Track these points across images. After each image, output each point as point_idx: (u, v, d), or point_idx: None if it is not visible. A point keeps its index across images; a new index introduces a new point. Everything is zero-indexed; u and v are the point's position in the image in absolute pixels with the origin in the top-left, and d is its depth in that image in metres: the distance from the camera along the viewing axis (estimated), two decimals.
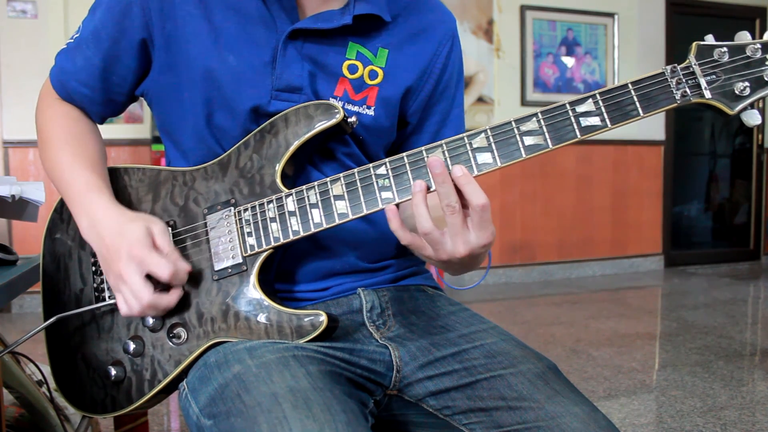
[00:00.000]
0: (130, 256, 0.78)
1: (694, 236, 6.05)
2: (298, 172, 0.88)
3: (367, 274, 0.94)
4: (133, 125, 4.09)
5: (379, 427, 0.87)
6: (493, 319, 0.95)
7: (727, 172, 6.10)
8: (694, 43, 0.75)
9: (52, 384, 1.44)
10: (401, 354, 0.86)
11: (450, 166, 0.74)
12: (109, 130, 3.97)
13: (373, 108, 0.91)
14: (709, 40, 0.75)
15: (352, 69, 0.90)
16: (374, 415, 0.83)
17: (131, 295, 0.79)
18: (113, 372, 0.86)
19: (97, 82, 0.92)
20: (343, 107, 0.88)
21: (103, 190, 0.86)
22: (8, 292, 1.01)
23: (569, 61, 5.03)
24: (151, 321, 0.84)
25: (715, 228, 6.12)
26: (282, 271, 0.88)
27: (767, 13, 5.71)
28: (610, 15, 5.08)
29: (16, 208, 1.21)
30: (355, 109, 0.90)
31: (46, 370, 1.42)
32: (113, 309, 0.88)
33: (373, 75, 0.91)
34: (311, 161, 0.90)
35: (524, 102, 4.87)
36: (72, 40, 0.94)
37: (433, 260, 0.77)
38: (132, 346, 0.85)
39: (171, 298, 0.80)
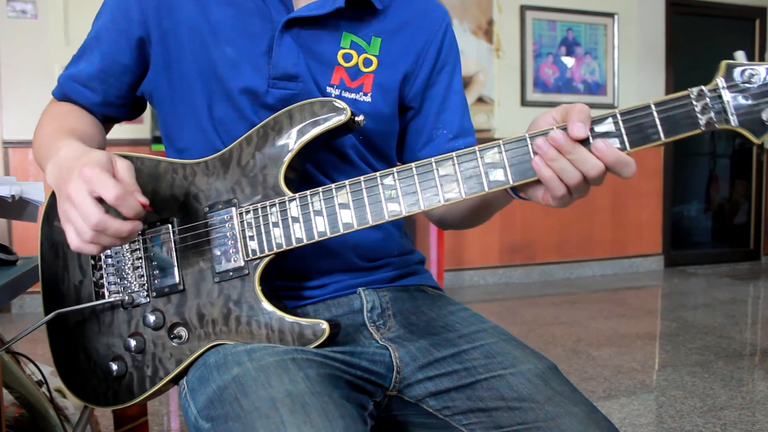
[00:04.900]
0: (81, 174, 0.71)
1: (694, 236, 6.05)
2: (300, 169, 0.88)
3: (366, 273, 0.95)
4: (133, 125, 4.08)
5: (379, 427, 0.87)
6: (493, 319, 0.95)
7: (727, 172, 6.10)
8: (723, 63, 0.69)
9: (52, 384, 1.44)
10: (401, 355, 0.86)
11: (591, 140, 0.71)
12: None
13: (369, 94, 0.92)
14: (740, 58, 0.69)
15: (347, 57, 0.91)
16: (374, 416, 0.83)
17: (79, 218, 0.71)
18: (114, 367, 0.85)
19: (96, 83, 0.93)
20: (340, 95, 0.91)
21: (72, 136, 0.81)
22: (8, 292, 1.01)
23: (569, 61, 5.02)
24: (152, 319, 0.84)
25: (715, 228, 6.12)
26: (281, 269, 0.88)
27: (767, 13, 5.71)
28: (610, 15, 5.08)
29: (16, 208, 1.21)
30: (352, 96, 0.92)
31: (46, 370, 1.42)
32: (113, 306, 0.88)
33: (367, 63, 0.93)
34: (314, 158, 0.90)
35: (524, 102, 4.87)
36: (76, 53, 0.96)
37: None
38: (133, 343, 0.84)
39: (125, 224, 0.72)
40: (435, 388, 0.84)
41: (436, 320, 0.92)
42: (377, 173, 0.77)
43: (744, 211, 5.94)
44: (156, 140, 3.92)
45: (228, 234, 0.83)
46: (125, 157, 0.90)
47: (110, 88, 0.93)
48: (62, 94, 0.95)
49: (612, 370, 2.74)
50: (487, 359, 0.84)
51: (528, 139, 0.72)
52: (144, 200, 0.73)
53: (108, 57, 0.91)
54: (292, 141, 0.82)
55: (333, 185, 0.79)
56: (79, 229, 0.71)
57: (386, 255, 0.97)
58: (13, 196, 1.17)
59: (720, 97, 0.69)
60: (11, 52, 3.85)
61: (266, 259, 0.81)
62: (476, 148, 0.74)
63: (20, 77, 3.83)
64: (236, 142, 0.85)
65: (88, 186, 0.70)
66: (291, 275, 0.90)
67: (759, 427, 2.13)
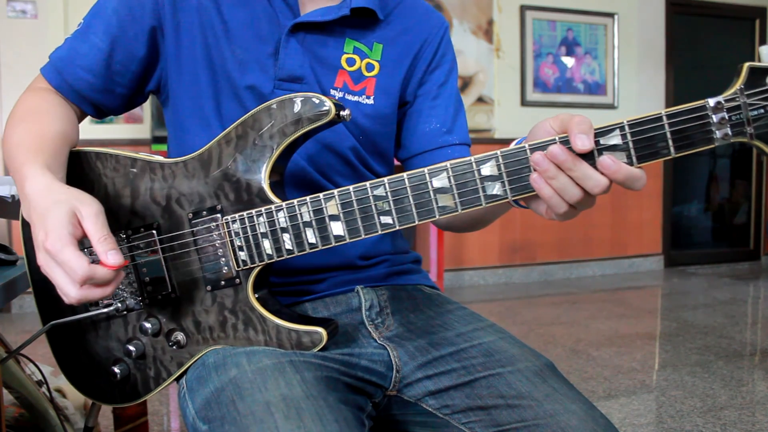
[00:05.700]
0: (45, 248, 0.69)
1: (694, 236, 6.04)
2: (285, 169, 0.85)
3: (362, 269, 0.95)
4: (133, 125, 4.09)
5: (379, 427, 0.87)
6: (494, 319, 0.95)
7: (727, 172, 6.10)
8: (745, 65, 0.62)
9: (52, 384, 1.44)
10: (400, 354, 0.86)
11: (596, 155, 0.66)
12: (109, 130, 3.98)
13: (372, 97, 0.95)
14: (765, 55, 0.63)
15: (350, 62, 0.94)
16: (372, 417, 0.83)
17: (61, 292, 0.70)
18: (117, 371, 0.85)
19: (100, 68, 0.90)
20: (343, 98, 0.92)
21: (35, 161, 0.77)
22: (8, 292, 1.01)
23: (569, 61, 5.03)
24: (148, 326, 0.83)
25: (715, 228, 6.12)
26: (276, 265, 0.88)
27: (767, 13, 5.71)
28: (610, 15, 5.08)
29: (16, 208, 1.21)
30: (355, 98, 0.94)
31: (46, 370, 1.42)
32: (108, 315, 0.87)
33: (369, 67, 0.95)
34: (311, 159, 0.91)
35: (524, 102, 4.87)
36: (71, 36, 0.92)
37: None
38: (132, 348, 0.84)
39: (105, 289, 0.69)
40: (434, 386, 0.84)
41: (434, 319, 0.92)
42: (367, 183, 0.73)
43: (744, 211, 5.94)
44: (156, 140, 3.92)
45: (216, 243, 0.80)
46: (98, 154, 0.85)
47: (115, 74, 0.91)
48: (60, 79, 0.91)
49: (612, 370, 2.74)
50: (485, 357, 0.84)
51: (528, 151, 0.68)
52: (115, 261, 0.68)
53: (118, 42, 0.89)
54: (273, 143, 0.78)
55: (321, 195, 0.75)
56: (63, 294, 0.70)
57: (382, 252, 0.99)
58: (12, 196, 1.17)
59: (739, 107, 0.62)
60: (11, 52, 3.85)
61: (258, 268, 0.80)
62: (472, 159, 0.70)
63: (20, 77, 3.83)
64: (214, 141, 0.81)
65: (55, 260, 0.68)
66: (287, 272, 0.90)
67: (759, 427, 2.13)
